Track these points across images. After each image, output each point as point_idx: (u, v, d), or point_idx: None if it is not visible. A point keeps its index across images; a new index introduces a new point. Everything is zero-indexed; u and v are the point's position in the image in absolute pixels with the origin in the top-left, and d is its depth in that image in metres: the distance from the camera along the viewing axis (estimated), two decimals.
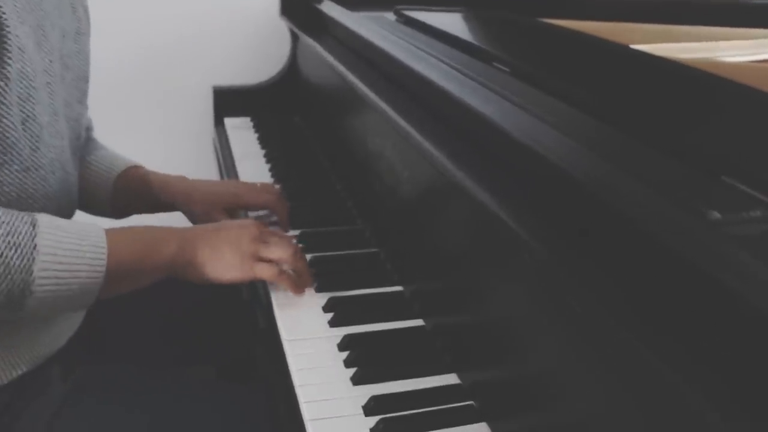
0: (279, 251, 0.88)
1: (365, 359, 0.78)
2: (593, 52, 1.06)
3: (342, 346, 0.81)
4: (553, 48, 1.12)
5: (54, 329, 0.92)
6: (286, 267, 0.89)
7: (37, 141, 0.80)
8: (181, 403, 0.89)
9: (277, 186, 1.20)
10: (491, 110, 0.73)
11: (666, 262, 0.46)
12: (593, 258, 0.54)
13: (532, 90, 0.81)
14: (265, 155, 1.41)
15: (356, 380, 0.75)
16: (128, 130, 1.86)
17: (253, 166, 1.35)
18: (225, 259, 0.85)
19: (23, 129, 0.79)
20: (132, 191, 1.09)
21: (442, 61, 0.93)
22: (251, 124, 1.61)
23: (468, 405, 0.72)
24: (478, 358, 0.74)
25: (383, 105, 0.92)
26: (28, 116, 0.79)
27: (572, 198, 0.58)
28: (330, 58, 1.22)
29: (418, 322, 0.86)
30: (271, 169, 1.34)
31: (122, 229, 0.85)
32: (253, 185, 1.13)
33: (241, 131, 1.57)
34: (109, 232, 0.81)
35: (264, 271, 0.86)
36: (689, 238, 0.46)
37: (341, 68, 1.13)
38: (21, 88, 0.78)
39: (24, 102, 0.79)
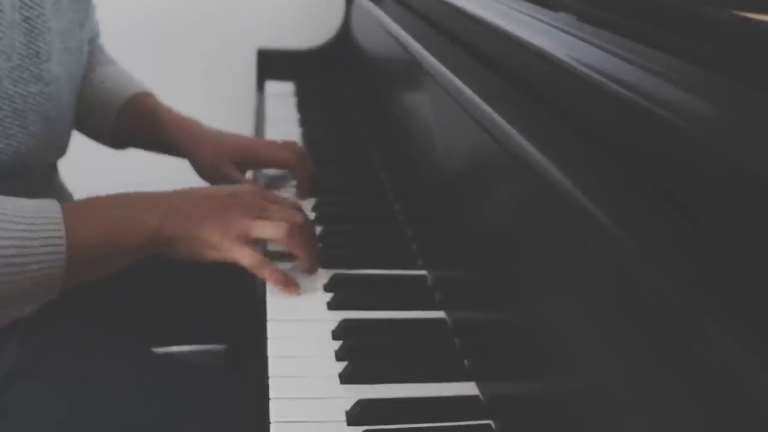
0: (270, 230, 0.70)
1: (361, 352, 0.61)
2: None
3: (337, 334, 0.64)
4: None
5: None
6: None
7: None
8: (145, 387, 0.75)
9: (303, 147, 1.05)
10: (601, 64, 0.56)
11: None
12: (701, 247, 0.36)
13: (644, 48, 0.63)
14: (300, 119, 1.27)
15: (345, 378, 0.58)
16: (169, 88, 1.75)
17: (284, 129, 1.20)
18: (205, 235, 0.69)
19: None
20: (137, 122, 0.95)
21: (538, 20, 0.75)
22: (293, 89, 1.47)
23: (485, 425, 0.55)
24: (508, 368, 0.56)
25: (449, 75, 0.74)
26: None
27: (681, 169, 0.40)
28: (388, 22, 1.05)
29: (438, 315, 0.69)
30: (302, 134, 1.19)
31: (88, 203, 0.69)
32: (272, 141, 0.98)
33: (281, 95, 1.43)
34: (70, 212, 0.65)
35: (244, 258, 0.69)
36: None
37: (400, 32, 0.96)
38: None
39: None
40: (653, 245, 0.38)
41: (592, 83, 0.51)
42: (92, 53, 0.97)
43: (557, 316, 0.48)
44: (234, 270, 0.96)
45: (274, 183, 0.98)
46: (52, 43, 0.73)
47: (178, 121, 0.95)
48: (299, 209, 0.74)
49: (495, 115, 0.59)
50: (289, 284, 0.71)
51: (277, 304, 0.69)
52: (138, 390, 0.75)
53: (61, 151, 0.83)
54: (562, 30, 0.65)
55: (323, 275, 0.74)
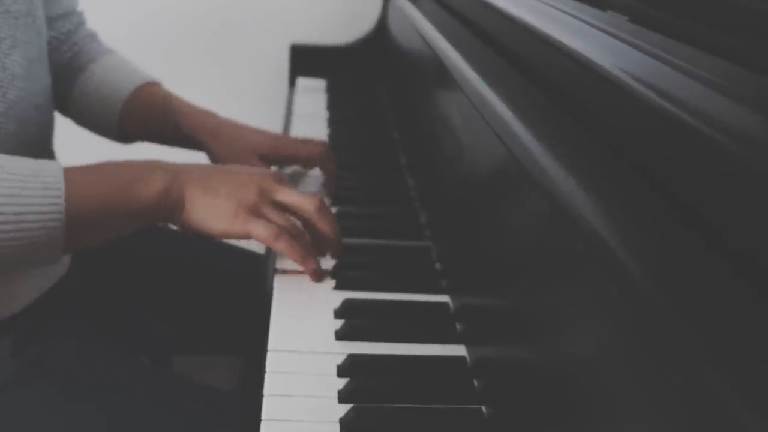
0: (283, 219, 0.66)
1: (368, 394, 0.54)
2: None
3: (343, 371, 0.57)
4: None
5: (13, 285, 0.74)
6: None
7: None
8: (145, 404, 0.70)
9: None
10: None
11: None
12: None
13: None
14: (329, 119, 1.20)
15: (346, 425, 0.51)
16: (200, 81, 1.71)
17: (311, 127, 1.14)
18: (217, 205, 0.65)
19: None
20: (146, 115, 0.89)
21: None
22: (325, 86, 1.41)
23: None
24: (533, 420, 0.48)
25: (476, 84, 0.67)
26: None
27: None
28: (419, 21, 0.98)
29: (459, 350, 0.62)
30: (329, 135, 1.12)
31: (91, 166, 0.65)
32: (294, 137, 0.91)
33: (311, 92, 1.36)
34: (71, 171, 0.62)
35: (258, 229, 0.65)
36: None
37: (429, 33, 0.89)
38: None
39: None
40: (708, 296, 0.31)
41: (642, 100, 0.43)
42: (83, 43, 0.91)
43: (598, 366, 0.40)
44: (235, 288, 0.91)
45: (296, 180, 0.91)
46: None
47: (192, 112, 0.89)
48: (316, 197, 0.70)
49: (522, 132, 0.51)
50: (308, 259, 0.67)
51: (280, 331, 0.62)
52: (138, 406, 0.70)
53: (33, 128, 0.76)
54: (609, 33, 0.57)
55: (335, 299, 0.67)
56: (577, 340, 0.43)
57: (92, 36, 0.93)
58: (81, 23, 0.92)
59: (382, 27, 1.47)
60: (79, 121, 0.91)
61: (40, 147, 0.81)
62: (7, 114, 0.71)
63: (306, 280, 0.69)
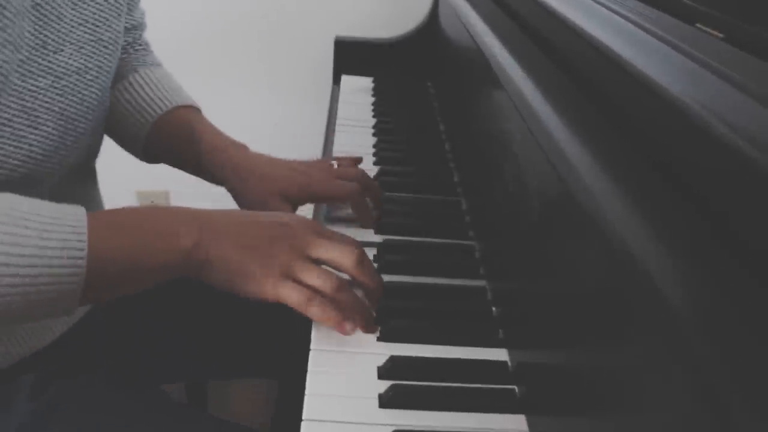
0: (319, 279, 0.59)
1: None
2: None
3: None
4: None
5: (34, 324, 0.70)
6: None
7: None
8: None
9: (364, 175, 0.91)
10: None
11: None
12: None
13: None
14: (375, 126, 1.12)
15: None
16: (239, 81, 1.65)
17: (354, 138, 1.07)
18: (246, 266, 0.58)
19: None
20: (172, 139, 0.83)
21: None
22: (371, 86, 1.33)
23: None
24: None
25: (531, 98, 0.59)
26: None
27: None
28: (472, 20, 0.90)
29: (518, 423, 0.54)
30: (375, 146, 1.05)
31: (115, 215, 0.59)
32: (330, 167, 0.83)
33: (356, 93, 1.29)
34: (93, 222, 0.55)
35: (289, 294, 0.58)
36: None
37: (482, 36, 0.81)
38: None
39: None
40: None
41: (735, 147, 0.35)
42: (134, 50, 0.85)
43: None
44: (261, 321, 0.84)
45: (337, 211, 0.84)
46: (63, 32, 0.64)
47: (219, 145, 0.81)
48: (353, 250, 0.62)
49: (585, 165, 0.43)
50: (344, 322, 0.60)
51: (315, 394, 0.55)
52: None
53: (85, 152, 0.73)
54: (694, 58, 0.48)
55: (379, 353, 0.60)
56: (661, 416, 0.35)
57: (145, 45, 0.88)
58: (141, 35, 0.87)
59: (433, 21, 1.39)
60: (105, 130, 0.86)
61: (85, 167, 0.77)
62: (73, 146, 0.67)
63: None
